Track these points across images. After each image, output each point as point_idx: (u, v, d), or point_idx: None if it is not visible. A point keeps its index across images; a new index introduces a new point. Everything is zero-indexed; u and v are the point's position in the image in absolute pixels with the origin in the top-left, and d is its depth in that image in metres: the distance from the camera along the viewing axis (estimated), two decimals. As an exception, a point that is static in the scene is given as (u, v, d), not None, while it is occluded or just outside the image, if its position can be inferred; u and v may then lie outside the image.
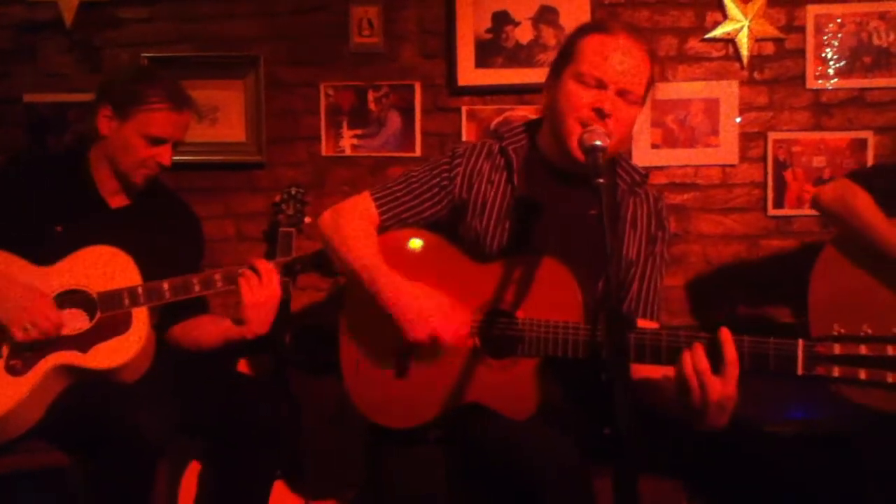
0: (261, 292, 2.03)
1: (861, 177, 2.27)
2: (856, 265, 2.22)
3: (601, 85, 1.68)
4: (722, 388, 1.45)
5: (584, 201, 1.74)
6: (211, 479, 2.09)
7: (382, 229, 1.87)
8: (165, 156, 2.13)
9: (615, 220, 1.82)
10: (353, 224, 1.83)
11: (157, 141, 2.10)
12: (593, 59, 1.69)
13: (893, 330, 1.47)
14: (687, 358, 1.48)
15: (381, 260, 1.77)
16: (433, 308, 1.69)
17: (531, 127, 1.90)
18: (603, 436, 1.28)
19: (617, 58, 1.68)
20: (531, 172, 1.84)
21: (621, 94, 1.69)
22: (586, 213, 1.74)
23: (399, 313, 1.70)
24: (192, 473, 2.24)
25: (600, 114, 1.67)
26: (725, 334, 1.48)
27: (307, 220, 2.60)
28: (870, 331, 1.48)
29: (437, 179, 1.87)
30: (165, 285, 2.03)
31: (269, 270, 2.06)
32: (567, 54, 1.76)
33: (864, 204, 2.19)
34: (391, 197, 1.87)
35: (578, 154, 1.65)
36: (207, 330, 2.16)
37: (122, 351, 1.95)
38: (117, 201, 2.19)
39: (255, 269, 2.05)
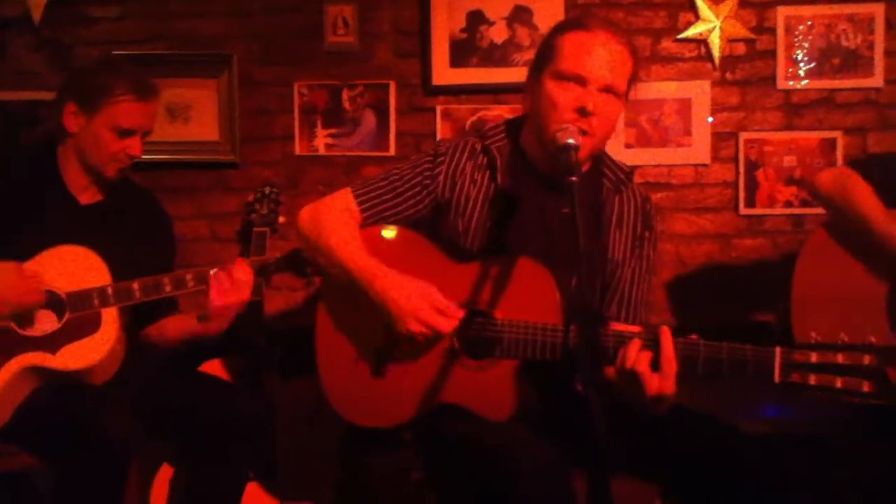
0: (231, 296, 2.02)
1: (861, 166, 2.23)
2: (844, 254, 2.19)
3: (582, 82, 1.65)
4: (660, 384, 1.49)
5: (566, 202, 1.73)
6: (182, 482, 2.07)
7: (363, 227, 1.84)
8: (136, 147, 2.11)
9: (599, 221, 1.81)
10: (334, 221, 1.80)
11: (126, 133, 2.08)
12: (573, 57, 1.67)
13: (870, 339, 1.48)
14: (626, 355, 1.51)
15: (370, 255, 1.75)
16: (422, 299, 1.67)
17: (514, 126, 1.88)
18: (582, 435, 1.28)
19: (597, 53, 1.66)
20: (514, 172, 1.82)
21: (604, 90, 1.66)
22: (563, 212, 1.74)
23: (394, 306, 1.67)
24: (163, 477, 2.22)
25: (583, 113, 1.64)
26: (665, 333, 1.51)
27: (281, 219, 2.59)
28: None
29: (420, 178, 1.84)
30: (136, 285, 2.01)
31: (243, 277, 2.04)
32: (546, 54, 1.73)
33: (863, 193, 2.14)
34: (373, 194, 1.84)
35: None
36: (173, 328, 2.15)
37: (92, 352, 1.93)
38: (87, 198, 2.16)
39: (228, 272, 2.03)
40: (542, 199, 1.79)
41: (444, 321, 1.66)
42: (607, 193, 1.84)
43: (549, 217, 1.78)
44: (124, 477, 1.85)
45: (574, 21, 1.77)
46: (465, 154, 1.85)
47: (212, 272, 2.04)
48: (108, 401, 1.86)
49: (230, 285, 2.02)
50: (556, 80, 1.68)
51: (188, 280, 2.05)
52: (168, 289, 2.03)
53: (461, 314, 1.69)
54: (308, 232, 1.84)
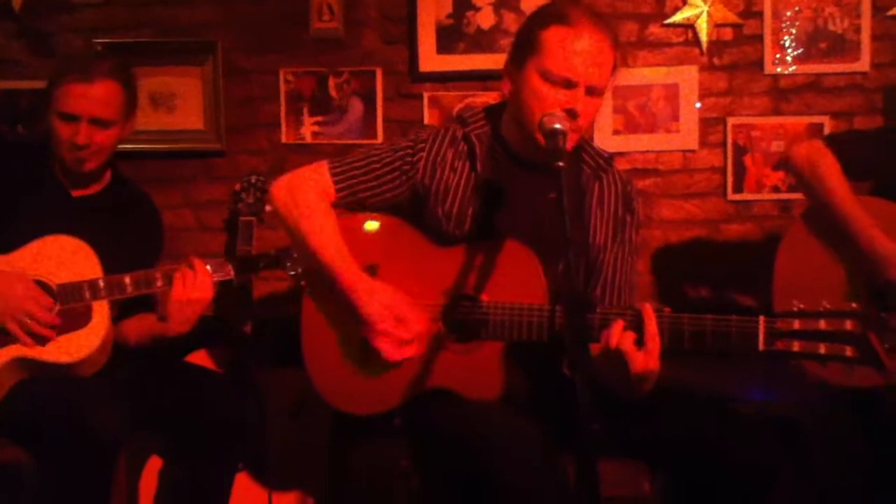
0: (192, 291, 2.01)
1: (835, 141, 2.22)
2: (821, 242, 2.19)
3: (570, 84, 1.65)
4: (644, 361, 1.51)
5: (548, 187, 1.72)
6: (171, 474, 2.06)
7: (336, 205, 1.82)
8: (79, 134, 2.03)
9: (580, 206, 1.81)
10: (310, 202, 1.79)
11: (69, 118, 2.03)
12: (559, 57, 1.65)
13: (852, 304, 1.51)
14: (610, 334, 1.53)
15: (343, 247, 1.75)
16: (388, 310, 1.69)
17: (494, 112, 1.88)
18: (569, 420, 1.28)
19: (584, 54, 1.65)
20: (494, 158, 1.82)
21: (590, 91, 1.67)
22: (549, 197, 1.74)
23: (361, 311, 1.70)
24: (152, 469, 2.21)
25: (572, 114, 1.65)
26: (647, 311, 1.54)
27: (268, 208, 2.58)
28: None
29: (399, 163, 1.83)
30: (127, 279, 2.00)
31: (204, 272, 2.03)
32: (528, 45, 1.71)
33: (829, 170, 2.13)
34: (350, 174, 1.82)
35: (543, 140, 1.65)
36: (132, 327, 2.14)
37: (82, 345, 1.92)
38: (79, 190, 2.16)
39: (191, 267, 2.02)
40: (524, 184, 1.79)
41: (400, 351, 1.69)
42: (587, 179, 1.84)
43: (532, 202, 1.78)
44: (112, 469, 1.85)
45: (557, 13, 1.71)
46: (447, 141, 1.84)
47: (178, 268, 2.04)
48: (96, 392, 1.84)
49: (192, 280, 2.01)
50: (543, 78, 1.67)
51: None
52: (159, 283, 2.03)
53: (424, 326, 1.70)
54: (283, 206, 1.82)
